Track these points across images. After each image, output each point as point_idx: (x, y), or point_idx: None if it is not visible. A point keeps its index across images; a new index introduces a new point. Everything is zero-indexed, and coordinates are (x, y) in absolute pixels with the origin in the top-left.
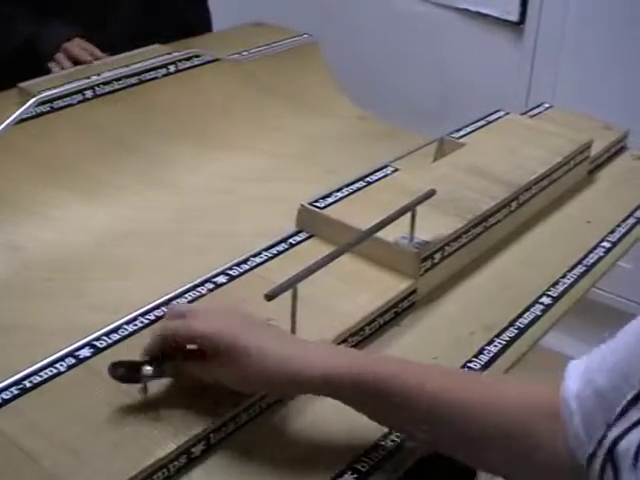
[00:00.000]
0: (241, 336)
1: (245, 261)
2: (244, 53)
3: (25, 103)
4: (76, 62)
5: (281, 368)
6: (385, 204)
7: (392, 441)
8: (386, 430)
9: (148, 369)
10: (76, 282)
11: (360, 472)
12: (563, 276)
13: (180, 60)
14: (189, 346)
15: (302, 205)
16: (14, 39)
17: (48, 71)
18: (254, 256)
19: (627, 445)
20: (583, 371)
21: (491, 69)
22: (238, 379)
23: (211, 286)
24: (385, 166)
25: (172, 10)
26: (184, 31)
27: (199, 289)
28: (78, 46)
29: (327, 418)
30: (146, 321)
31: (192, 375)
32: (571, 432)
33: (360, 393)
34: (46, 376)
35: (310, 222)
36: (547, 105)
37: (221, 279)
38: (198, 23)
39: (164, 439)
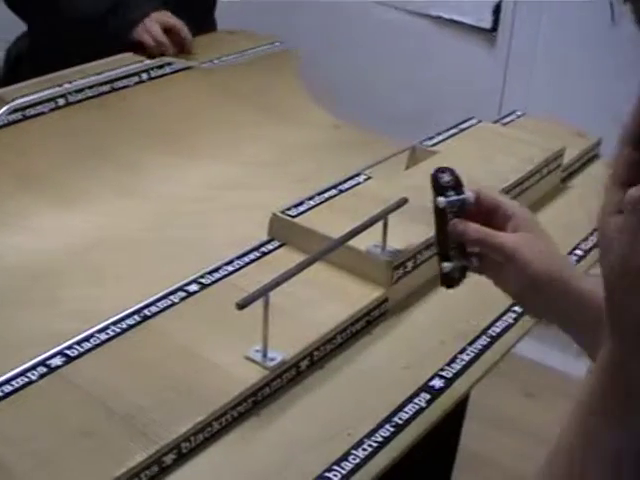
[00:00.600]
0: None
1: (217, 269)
2: (216, 61)
3: None
4: (165, 29)
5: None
6: (357, 212)
7: (363, 450)
8: (357, 440)
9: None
10: (50, 290)
11: None
12: None
13: (152, 68)
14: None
15: (274, 214)
16: (100, 4)
17: (130, 42)
18: (226, 264)
19: None
20: None
21: (464, 76)
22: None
23: (183, 294)
24: (357, 174)
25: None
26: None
27: (171, 297)
28: (162, 22)
29: (298, 428)
30: (118, 330)
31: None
32: None
33: None
34: (17, 385)
35: (282, 230)
36: (519, 113)
37: (193, 287)
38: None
39: (136, 448)
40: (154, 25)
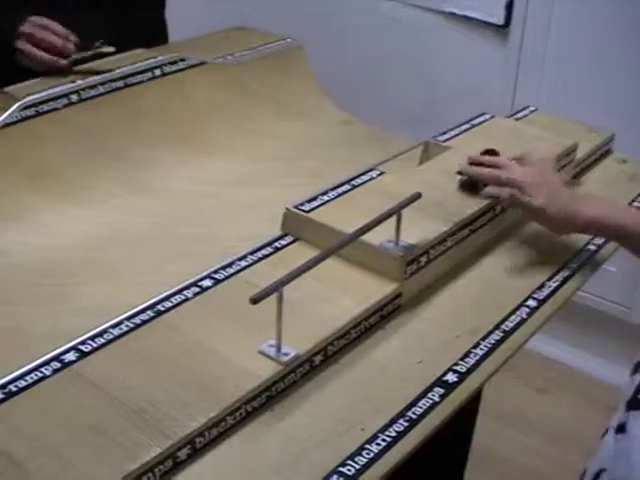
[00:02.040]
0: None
1: (230, 265)
2: (229, 57)
3: (9, 107)
4: (45, 47)
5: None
6: (370, 207)
7: (377, 444)
8: (371, 434)
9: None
10: (61, 287)
11: (346, 476)
12: (548, 279)
13: (165, 64)
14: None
15: (287, 209)
16: None
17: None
18: (239, 260)
19: None
20: None
21: (476, 72)
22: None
23: (197, 290)
24: (370, 169)
25: (135, 25)
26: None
27: (185, 293)
28: (36, 26)
29: (309, 424)
30: (131, 325)
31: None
32: None
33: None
34: (31, 380)
35: (295, 226)
36: (532, 108)
37: (207, 283)
38: (158, 37)
39: (150, 443)
40: (32, 50)
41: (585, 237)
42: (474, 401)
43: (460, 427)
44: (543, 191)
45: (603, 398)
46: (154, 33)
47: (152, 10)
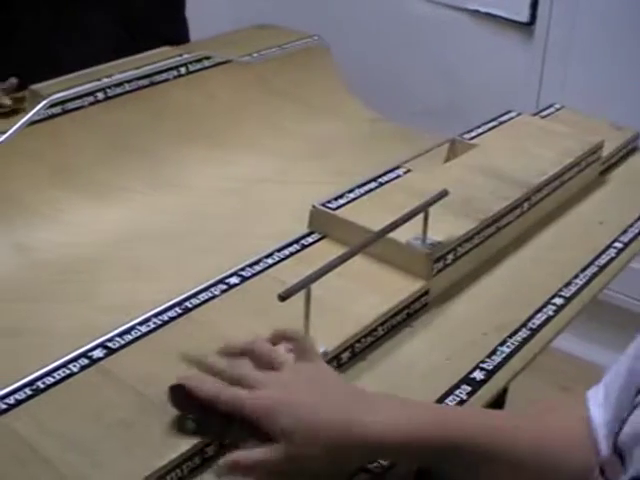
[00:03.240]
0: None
1: (257, 262)
2: (254, 55)
3: (36, 105)
4: None
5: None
6: (397, 205)
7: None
8: None
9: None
10: (88, 284)
11: (374, 474)
12: (575, 277)
13: (191, 62)
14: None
15: (314, 206)
16: None
17: None
18: (266, 257)
19: (629, 430)
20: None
21: (501, 70)
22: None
23: (224, 287)
24: (397, 167)
25: (149, 24)
26: (162, 44)
27: (212, 290)
28: None
29: None
30: (159, 322)
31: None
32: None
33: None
34: (59, 377)
35: (322, 223)
36: (558, 106)
37: (234, 280)
38: (176, 36)
39: (178, 439)
40: None
41: (611, 234)
42: (499, 399)
43: None
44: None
45: None
46: (173, 33)
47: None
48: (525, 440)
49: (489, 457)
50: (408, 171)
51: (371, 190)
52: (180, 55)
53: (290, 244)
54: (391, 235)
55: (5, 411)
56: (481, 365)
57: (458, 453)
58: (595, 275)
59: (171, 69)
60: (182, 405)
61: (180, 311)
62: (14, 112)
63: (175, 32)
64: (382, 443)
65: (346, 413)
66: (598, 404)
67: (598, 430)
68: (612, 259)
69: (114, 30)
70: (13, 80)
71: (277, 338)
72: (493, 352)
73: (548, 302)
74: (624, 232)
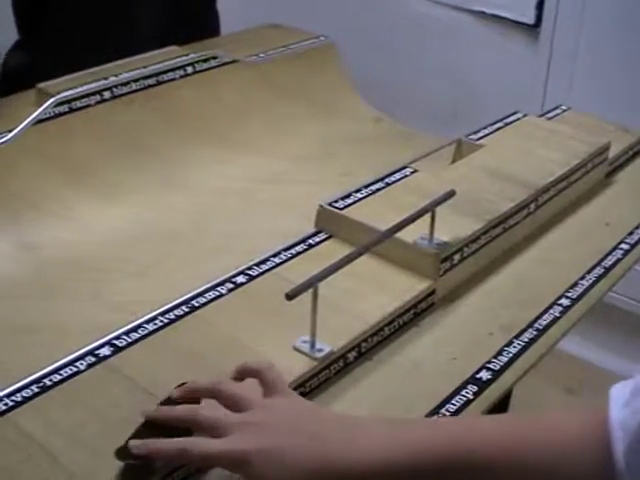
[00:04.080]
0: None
1: (264, 261)
2: (261, 55)
3: (43, 103)
4: None
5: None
6: (404, 205)
7: None
8: None
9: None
10: (95, 282)
11: None
12: (582, 278)
13: (198, 61)
14: None
15: (321, 206)
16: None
17: None
18: (273, 256)
19: None
20: (629, 398)
21: (507, 71)
22: None
23: (231, 286)
24: (404, 167)
25: (190, 14)
26: (198, 35)
27: (219, 289)
28: None
29: None
30: (166, 320)
31: None
32: (615, 461)
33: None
34: (66, 374)
35: (329, 222)
36: (564, 107)
37: (241, 279)
38: (210, 27)
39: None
40: None
41: (617, 235)
42: (504, 399)
43: None
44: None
45: None
46: (207, 23)
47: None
48: (530, 449)
49: (491, 472)
50: (415, 171)
51: (378, 190)
52: (187, 55)
53: (297, 243)
54: (398, 235)
55: (12, 408)
56: (487, 365)
57: (455, 471)
58: (601, 276)
59: (178, 68)
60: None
61: (187, 310)
62: None
63: (212, 23)
64: (366, 474)
65: (324, 447)
66: (622, 402)
67: (615, 430)
68: (618, 260)
69: (159, 20)
70: None
71: (242, 374)
72: (499, 352)
73: (554, 303)
74: (630, 234)
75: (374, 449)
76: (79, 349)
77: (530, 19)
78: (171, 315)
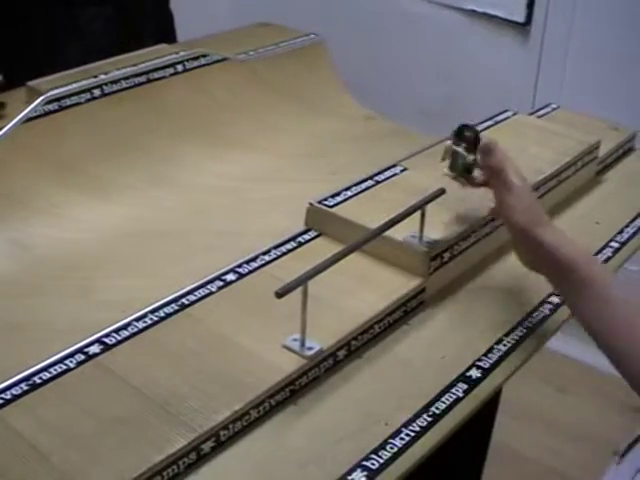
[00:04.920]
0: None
1: (254, 259)
2: (251, 53)
3: (33, 101)
4: None
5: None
6: (394, 203)
7: (401, 439)
8: (394, 429)
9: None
10: (85, 280)
11: (370, 470)
12: None
13: (188, 59)
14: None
15: (311, 204)
16: None
17: None
18: (263, 254)
19: None
20: None
21: (497, 70)
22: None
23: (220, 284)
24: (394, 165)
25: (141, 21)
26: (153, 40)
27: (208, 286)
28: None
29: (333, 418)
30: (155, 318)
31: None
32: None
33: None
34: (56, 372)
35: (319, 220)
36: (554, 106)
37: (230, 277)
38: (165, 31)
39: (174, 435)
40: None
41: (607, 234)
42: (494, 398)
43: (480, 424)
44: (523, 198)
45: (623, 397)
46: (161, 30)
47: (157, 5)
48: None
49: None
50: (405, 169)
51: (368, 188)
52: (177, 53)
53: (287, 241)
54: (388, 233)
55: (1, 406)
56: (477, 363)
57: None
58: None
59: (168, 66)
60: None
61: (177, 307)
62: None
63: (162, 27)
64: (552, 253)
65: (537, 218)
66: None
67: None
68: (608, 259)
69: (108, 28)
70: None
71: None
72: (489, 350)
73: (544, 301)
74: (620, 232)
75: (559, 241)
76: (69, 347)
77: (521, 17)
78: (161, 313)
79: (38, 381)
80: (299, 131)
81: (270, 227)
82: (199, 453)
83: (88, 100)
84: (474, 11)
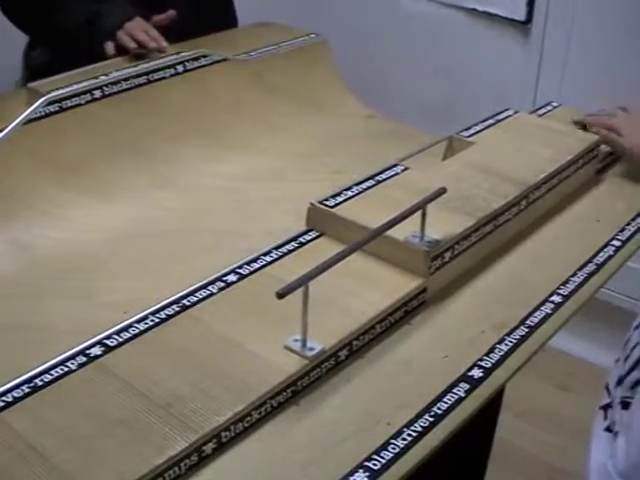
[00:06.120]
0: None
1: (255, 260)
2: (252, 53)
3: (34, 103)
4: (137, 43)
5: None
6: (395, 203)
7: (403, 439)
8: (396, 429)
9: None
10: (86, 281)
11: (372, 470)
12: (573, 275)
13: (188, 60)
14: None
15: (312, 204)
16: (77, 17)
17: (103, 52)
18: (264, 255)
19: None
20: None
21: (498, 68)
22: None
23: (222, 285)
24: (395, 165)
25: (215, 7)
26: (219, 28)
27: (210, 287)
28: (138, 27)
29: (335, 419)
30: (157, 319)
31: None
32: None
33: None
34: (57, 374)
35: (320, 221)
36: (555, 104)
37: (231, 278)
38: (230, 21)
39: (176, 437)
40: (127, 39)
41: (608, 232)
42: (496, 397)
43: (482, 422)
44: (636, 135)
45: None
46: (224, 15)
47: None
48: None
49: None
50: (406, 169)
51: (369, 188)
52: (177, 53)
53: (288, 242)
54: (389, 233)
55: (3, 408)
56: (479, 363)
57: None
58: (593, 273)
59: (168, 67)
60: None
61: (178, 309)
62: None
63: (232, 17)
64: None
65: None
66: None
67: None
68: (610, 257)
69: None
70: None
71: None
72: (491, 350)
73: (546, 300)
74: (621, 230)
75: None
76: (70, 349)
77: (521, 16)
78: (162, 314)
79: (39, 383)
80: (300, 131)
81: (271, 227)
82: (201, 455)
83: (89, 101)
84: (475, 10)
